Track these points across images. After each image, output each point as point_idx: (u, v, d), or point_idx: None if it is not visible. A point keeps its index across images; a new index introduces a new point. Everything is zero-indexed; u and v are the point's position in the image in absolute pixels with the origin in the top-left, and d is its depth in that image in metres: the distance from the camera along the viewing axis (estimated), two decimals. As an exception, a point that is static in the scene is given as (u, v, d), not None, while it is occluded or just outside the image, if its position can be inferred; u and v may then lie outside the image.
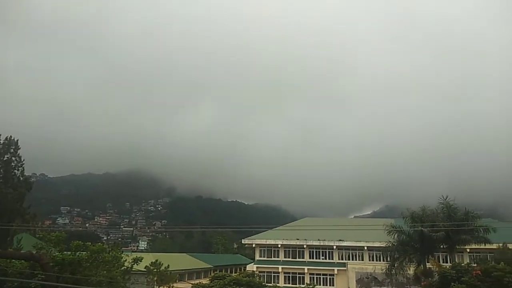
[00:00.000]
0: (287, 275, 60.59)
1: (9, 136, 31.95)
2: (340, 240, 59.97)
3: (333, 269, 58.85)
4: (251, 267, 60.80)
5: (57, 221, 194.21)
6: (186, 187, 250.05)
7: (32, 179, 45.18)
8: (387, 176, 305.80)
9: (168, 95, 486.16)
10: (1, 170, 30.79)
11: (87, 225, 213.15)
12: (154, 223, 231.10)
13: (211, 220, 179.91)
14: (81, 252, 25.91)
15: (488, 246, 38.00)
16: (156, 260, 45.71)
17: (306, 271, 59.63)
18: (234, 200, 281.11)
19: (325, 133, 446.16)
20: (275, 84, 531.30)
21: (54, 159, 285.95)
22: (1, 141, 31.50)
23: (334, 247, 60.66)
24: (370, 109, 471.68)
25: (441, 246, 37.95)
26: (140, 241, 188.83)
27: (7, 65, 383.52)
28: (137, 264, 38.25)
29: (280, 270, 60.69)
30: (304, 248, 62.15)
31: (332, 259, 60.93)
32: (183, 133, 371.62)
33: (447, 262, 45.14)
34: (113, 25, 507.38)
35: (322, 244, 61.23)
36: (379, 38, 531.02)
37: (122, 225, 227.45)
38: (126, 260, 34.66)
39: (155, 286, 45.18)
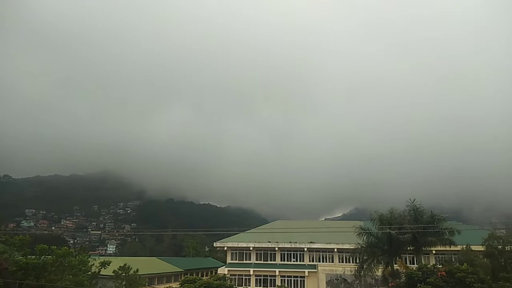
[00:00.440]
0: (258, 277, 60.61)
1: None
2: (311, 243, 60.60)
3: (304, 271, 59.32)
4: (223, 270, 60.46)
5: (21, 224, 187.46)
6: (157, 190, 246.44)
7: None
8: (358, 179, 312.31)
9: (139, 97, 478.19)
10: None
11: (53, 228, 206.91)
12: (123, 226, 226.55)
13: (183, 223, 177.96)
14: (46, 256, 25.06)
15: (452, 248, 39.34)
16: (125, 264, 44.65)
17: (277, 273, 59.86)
18: (206, 203, 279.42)
19: (298, 136, 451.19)
20: (249, 89, 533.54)
21: (19, 159, 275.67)
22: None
23: (305, 249, 61.22)
24: (342, 113, 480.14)
25: (408, 248, 38.92)
26: (108, 244, 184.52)
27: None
28: (104, 268, 37.31)
29: (251, 272, 60.65)
30: (275, 250, 62.39)
31: (303, 261, 61.45)
32: (155, 136, 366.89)
33: (414, 264, 46.34)
34: (83, 25, 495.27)
35: (293, 246, 61.67)
36: (350, 42, 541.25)
37: (90, 228, 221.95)
38: (93, 264, 33.76)
39: (123, 291, 44.11)
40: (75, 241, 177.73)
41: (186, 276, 42.54)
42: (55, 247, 26.97)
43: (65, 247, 30.84)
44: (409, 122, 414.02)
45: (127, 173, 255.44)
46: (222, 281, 33.81)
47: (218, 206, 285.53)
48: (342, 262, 59.56)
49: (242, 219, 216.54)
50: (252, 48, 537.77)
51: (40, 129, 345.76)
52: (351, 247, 45.07)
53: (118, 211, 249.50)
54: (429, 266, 32.30)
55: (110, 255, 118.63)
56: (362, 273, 40.18)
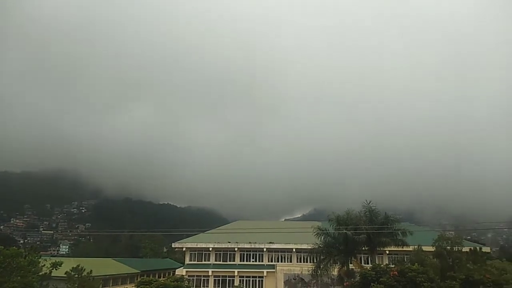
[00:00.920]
0: (217, 278, 60.29)
1: None
2: (271, 243, 61.07)
3: (263, 271, 59.63)
4: (181, 271, 59.63)
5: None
6: (114, 189, 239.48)
7: None
8: (318, 180, 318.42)
9: (100, 94, 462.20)
10: None
11: (1, 227, 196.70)
12: (77, 226, 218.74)
13: (140, 223, 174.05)
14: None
15: (405, 248, 40.98)
16: (78, 265, 42.99)
17: (236, 274, 59.80)
18: (166, 203, 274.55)
19: (261, 138, 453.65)
20: (213, 89, 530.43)
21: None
22: None
23: (265, 249, 61.62)
24: (303, 115, 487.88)
25: (363, 248, 40.14)
26: (61, 245, 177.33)
27: None
28: (56, 270, 35.84)
29: (210, 273, 60.22)
30: (235, 251, 62.34)
31: (262, 261, 61.80)
32: (114, 134, 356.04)
33: (368, 263, 47.76)
34: (40, 20, 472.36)
35: (253, 246, 61.87)
36: (317, 46, 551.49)
37: (41, 227, 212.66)
38: (44, 265, 32.35)
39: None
40: (26, 241, 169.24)
41: (142, 277, 41.76)
42: (3, 247, 25.61)
43: (14, 247, 29.34)
44: (367, 126, 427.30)
45: (83, 172, 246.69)
46: (179, 282, 33.40)
47: (178, 206, 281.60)
48: (300, 262, 60.41)
49: (202, 220, 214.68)
50: (218, 50, 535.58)
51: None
52: (309, 247, 45.86)
53: (72, 210, 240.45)
54: (382, 266, 33.42)
55: (62, 255, 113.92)
56: (319, 273, 41.02)
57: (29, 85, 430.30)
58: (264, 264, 61.13)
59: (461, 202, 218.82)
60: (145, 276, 53.32)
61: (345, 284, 36.18)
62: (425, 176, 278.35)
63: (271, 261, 61.56)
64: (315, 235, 40.44)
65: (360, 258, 47.26)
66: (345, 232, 37.57)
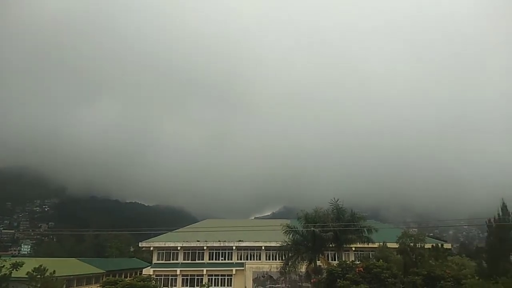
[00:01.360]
0: (185, 277, 59.77)
1: None
2: (240, 241, 61.12)
3: (232, 270, 59.67)
4: (148, 271, 58.68)
5: None
6: (79, 187, 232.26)
7: None
8: (288, 179, 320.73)
9: (66, 90, 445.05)
10: None
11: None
12: (39, 225, 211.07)
13: (106, 222, 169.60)
14: None
15: (371, 245, 42.03)
16: (40, 266, 41.61)
17: (205, 272, 59.50)
18: (133, 201, 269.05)
19: (231, 136, 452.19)
20: (183, 87, 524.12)
21: None
22: None
23: (234, 247, 61.61)
24: (273, 114, 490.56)
25: (331, 245, 40.89)
26: (22, 245, 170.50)
27: None
28: (17, 270, 34.61)
29: (178, 272, 59.63)
30: (204, 249, 61.99)
31: (231, 259, 61.78)
32: (80, 130, 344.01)
33: (335, 260, 48.70)
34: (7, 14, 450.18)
35: (222, 245, 61.73)
36: (289, 46, 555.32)
37: (1, 227, 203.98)
38: (3, 266, 31.08)
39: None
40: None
41: (108, 277, 40.79)
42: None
43: (-30, 248, 27.98)
44: (337, 126, 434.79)
45: (46, 169, 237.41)
46: (146, 282, 32.84)
47: (146, 204, 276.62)
48: (269, 259, 60.84)
49: (171, 218, 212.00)
50: (189, 46, 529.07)
51: None
52: (278, 245, 46.25)
53: (35, 208, 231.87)
54: (348, 262, 34.14)
55: (24, 256, 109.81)
56: (287, 270, 41.48)
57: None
58: (233, 263, 61.12)
59: (425, 201, 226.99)
60: (110, 276, 52.16)
61: (312, 280, 36.70)
62: (390, 175, 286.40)
63: (240, 259, 61.63)
64: (284, 232, 40.84)
65: (328, 255, 48.12)
66: (313, 230, 38.11)
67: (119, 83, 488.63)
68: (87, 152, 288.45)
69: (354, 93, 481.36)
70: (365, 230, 39.65)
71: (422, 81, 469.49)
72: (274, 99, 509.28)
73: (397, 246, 44.71)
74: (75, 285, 60.60)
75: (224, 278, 59.89)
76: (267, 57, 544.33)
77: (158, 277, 56.38)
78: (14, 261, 33.18)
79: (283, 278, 53.81)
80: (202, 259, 61.98)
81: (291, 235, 40.98)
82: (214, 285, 57.80)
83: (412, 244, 42.56)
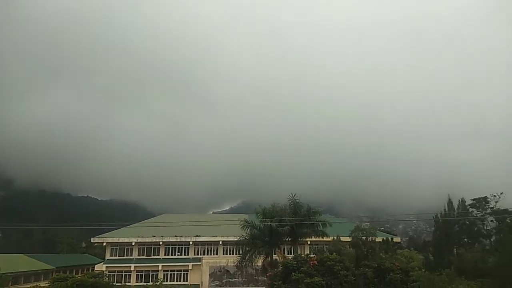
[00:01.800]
0: (140, 273, 58.59)
1: None
2: (197, 236, 60.71)
3: (188, 265, 59.23)
4: (100, 267, 57.04)
5: None
6: (27, 180, 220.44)
7: None
8: (246, 173, 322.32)
9: (13, 75, 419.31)
10: None
11: None
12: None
13: (56, 217, 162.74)
14: None
15: (325, 238, 43.19)
16: (-17, 263, 39.19)
17: (160, 268, 58.64)
18: (86, 196, 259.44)
19: (189, 130, 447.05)
20: (143, 78, 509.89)
21: None
22: None
23: (191, 242, 61.10)
24: (234, 109, 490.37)
25: (287, 239, 41.58)
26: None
27: None
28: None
29: (132, 268, 58.36)
30: (160, 245, 61.01)
31: (188, 254, 61.27)
32: (28, 119, 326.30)
33: (291, 254, 49.62)
34: None
35: (178, 240, 61.06)
36: (251, 42, 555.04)
37: None
38: None
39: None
40: None
41: (57, 274, 39.20)
42: None
43: None
44: (296, 123, 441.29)
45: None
46: (98, 278, 31.84)
47: (99, 199, 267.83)
48: (227, 254, 60.94)
49: (125, 213, 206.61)
50: (149, 39, 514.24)
51: None
52: (236, 240, 46.44)
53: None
54: (303, 255, 34.82)
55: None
56: (244, 264, 41.77)
57: None
58: (190, 258, 60.68)
59: (377, 197, 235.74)
60: (60, 273, 50.16)
61: (268, 274, 37.14)
62: (345, 172, 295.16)
63: (198, 254, 61.29)
64: (241, 227, 41.06)
65: (284, 249, 48.88)
66: (270, 224, 38.60)
67: (74, 71, 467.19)
68: (37, 143, 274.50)
69: (314, 90, 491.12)
70: (320, 225, 40.66)
71: (381, 81, 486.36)
72: (235, 94, 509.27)
73: (350, 240, 46.24)
74: (22, 282, 57.74)
75: (180, 274, 59.34)
76: (228, 52, 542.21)
77: (111, 273, 54.90)
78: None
79: (239, 272, 54.11)
80: (158, 255, 61.02)
81: (248, 230, 41.30)
82: (170, 281, 57.06)
83: (364, 237, 44.13)
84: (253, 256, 41.22)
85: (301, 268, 30.12)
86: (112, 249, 60.93)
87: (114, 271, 57.11)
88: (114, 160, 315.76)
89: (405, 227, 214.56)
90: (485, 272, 34.81)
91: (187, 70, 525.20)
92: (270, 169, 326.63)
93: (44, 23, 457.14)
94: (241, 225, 40.95)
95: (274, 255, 40.95)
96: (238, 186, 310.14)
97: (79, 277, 31.70)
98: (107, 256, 60.78)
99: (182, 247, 61.82)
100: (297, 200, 41.42)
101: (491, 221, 49.96)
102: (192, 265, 59.15)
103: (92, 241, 64.56)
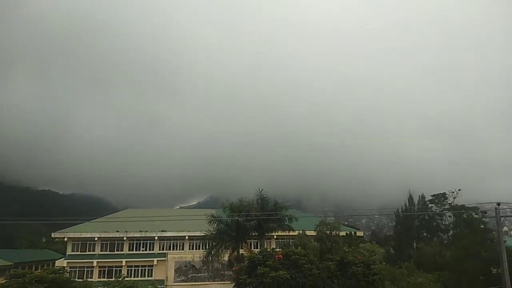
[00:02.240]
0: (102, 269, 57.25)
1: None
2: (163, 231, 59.97)
3: (153, 260, 58.45)
4: (61, 263, 55.31)
5: None
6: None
7: None
8: (214, 168, 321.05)
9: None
10: None
11: None
12: None
13: (14, 211, 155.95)
14: None
15: (291, 233, 43.77)
16: None
17: (124, 263, 57.54)
18: (46, 189, 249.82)
19: (156, 124, 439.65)
20: (108, 71, 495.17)
21: None
22: None
23: (156, 238, 60.29)
24: (201, 104, 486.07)
25: (254, 234, 41.83)
26: None
27: None
28: None
29: (95, 264, 56.98)
30: (124, 240, 59.84)
31: (153, 250, 60.44)
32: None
33: (258, 248, 49.95)
34: None
35: (143, 235, 60.10)
36: (220, 37, 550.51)
37: None
38: None
39: None
40: None
41: (15, 270, 37.56)
42: None
43: None
44: (263, 118, 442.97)
45: None
46: (58, 274, 30.83)
47: (61, 193, 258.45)
48: (193, 249, 60.58)
49: (89, 208, 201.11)
50: (115, 31, 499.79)
51: None
52: (202, 235, 46.22)
53: None
54: (269, 250, 35.14)
55: None
56: (210, 259, 41.69)
57: None
58: (155, 253, 59.90)
59: (342, 192, 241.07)
60: (19, 269, 48.19)
61: (233, 268, 37.24)
62: (312, 167, 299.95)
63: (163, 250, 60.57)
64: (208, 222, 40.92)
65: (250, 244, 49.17)
66: (237, 219, 38.68)
67: (36, 62, 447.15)
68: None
69: (283, 86, 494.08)
70: (287, 219, 41.16)
71: (349, 81, 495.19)
72: (203, 89, 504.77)
73: (315, 234, 47.10)
74: (-25, 279, 55.05)
75: (145, 269, 58.49)
76: (198, 47, 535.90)
77: (73, 269, 53.40)
78: None
79: (205, 267, 54.01)
80: (122, 250, 59.83)
81: (215, 225, 41.23)
82: (134, 276, 56.07)
83: (328, 232, 45.08)
84: (220, 251, 41.21)
85: (267, 262, 30.37)
86: (73, 244, 59.27)
87: (76, 267, 55.59)
88: (77, 153, 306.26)
89: (368, 222, 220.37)
90: (443, 265, 36.51)
91: (155, 63, 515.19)
92: (239, 164, 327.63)
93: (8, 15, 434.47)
94: (208, 220, 40.85)
95: (240, 250, 41.08)
96: (206, 180, 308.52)
97: (38, 273, 30.51)
98: (68, 252, 59.10)
99: (147, 243, 60.90)
100: (265, 195, 41.72)
101: (449, 216, 52.13)
102: (157, 260, 58.41)
103: (52, 236, 62.46)
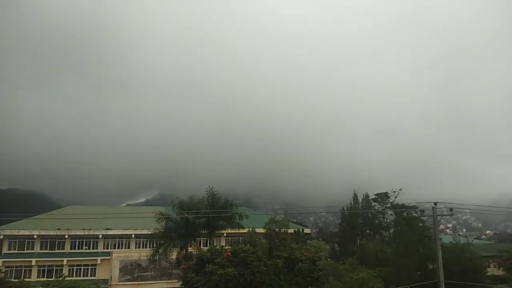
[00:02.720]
0: (42, 268, 54.32)
1: None
2: (108, 229, 57.95)
3: (97, 259, 56.38)
4: (-5, 262, 51.79)
5: None
6: None
7: None
8: (163, 165, 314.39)
9: None
10: None
11: None
12: None
13: None
14: None
15: (241, 230, 44.03)
16: None
17: (65, 262, 54.99)
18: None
19: (102, 117, 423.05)
20: (54, 58, 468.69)
21: None
22: None
23: (100, 236, 58.12)
24: (152, 99, 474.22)
25: (203, 232, 41.62)
26: None
27: None
28: None
29: (34, 263, 53.96)
30: (65, 238, 57.15)
31: (97, 248, 58.26)
32: None
33: (207, 246, 49.72)
34: None
35: (87, 233, 57.72)
36: (174, 28, 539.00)
37: None
38: None
39: None
40: None
41: None
42: None
43: None
44: (214, 113, 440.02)
45: None
46: (-9, 274, 28.90)
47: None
48: (139, 247, 59.12)
49: (28, 204, 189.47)
50: (67, 20, 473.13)
51: None
52: (150, 233, 45.21)
53: None
54: (218, 247, 35.15)
55: None
56: (157, 257, 40.95)
57: None
58: (99, 252, 57.76)
59: (293, 189, 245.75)
60: None
61: (181, 267, 36.85)
62: (263, 164, 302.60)
63: (108, 248, 58.52)
64: (156, 220, 40.12)
65: (200, 241, 48.85)
66: (187, 217, 38.30)
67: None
68: None
69: (237, 82, 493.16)
70: (237, 217, 41.38)
71: (299, 79, 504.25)
72: (154, 83, 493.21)
73: (264, 231, 47.68)
74: None
75: (88, 268, 56.27)
76: (150, 36, 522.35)
77: (9, 269, 50.24)
78: None
79: (152, 265, 52.95)
80: (63, 249, 57.13)
81: (164, 223, 40.52)
82: (76, 276, 53.80)
83: (277, 229, 45.83)
84: (168, 249, 40.63)
85: (215, 260, 30.38)
86: (10, 242, 55.74)
87: (12, 266, 52.35)
88: (16, 145, 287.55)
89: (316, 219, 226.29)
90: (384, 261, 38.38)
91: (104, 53, 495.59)
92: (190, 161, 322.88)
93: None
94: (156, 217, 40.06)
95: (189, 248, 40.73)
96: (154, 177, 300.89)
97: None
98: (5, 250, 55.43)
99: (90, 241, 58.56)
100: (215, 193, 41.63)
101: (390, 214, 54.91)
102: (101, 259, 56.39)
103: (-14, 234, 58.25)
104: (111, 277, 55.22)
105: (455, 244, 37.04)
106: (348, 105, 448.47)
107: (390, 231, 54.33)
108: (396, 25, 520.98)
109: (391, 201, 55.75)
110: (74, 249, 57.65)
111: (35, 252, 55.61)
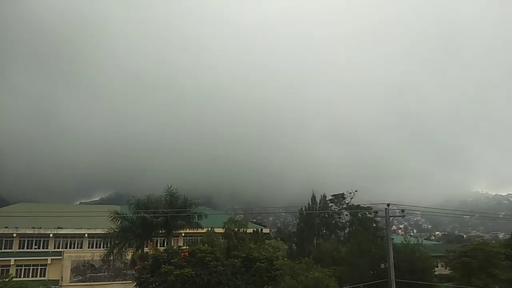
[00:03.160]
0: (-15, 269, 51.33)
1: None
2: (59, 228, 55.62)
3: (47, 259, 54.05)
4: None
5: None
6: None
7: None
8: (120, 164, 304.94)
9: None
10: None
11: None
12: None
13: None
14: None
15: (200, 230, 43.63)
16: None
17: (12, 262, 52.27)
18: None
19: (56, 112, 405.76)
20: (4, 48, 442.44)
21: None
22: None
23: (51, 235, 55.67)
24: (109, 95, 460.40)
25: (161, 231, 40.87)
26: None
27: None
28: None
29: (-24, 264, 50.87)
30: (13, 237, 54.27)
31: (47, 248, 55.78)
32: None
33: (164, 246, 48.87)
34: None
35: (36, 232, 55.12)
36: (134, 22, 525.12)
37: None
38: None
39: None
40: None
41: None
42: None
43: None
44: (173, 112, 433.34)
45: None
46: None
47: None
48: (93, 247, 57.22)
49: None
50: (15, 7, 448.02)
51: None
52: (104, 232, 43.83)
53: None
54: (175, 247, 34.68)
55: None
56: (111, 258, 39.78)
57: None
58: (49, 251, 55.34)
59: (253, 189, 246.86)
60: None
61: (136, 267, 36.02)
62: (224, 164, 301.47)
63: (59, 248, 56.18)
64: (111, 219, 38.96)
65: (157, 241, 47.96)
66: (144, 216, 37.45)
67: None
68: None
69: (204, 83, 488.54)
70: (196, 216, 40.93)
71: (265, 81, 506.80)
72: (111, 79, 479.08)
73: (223, 231, 47.54)
74: None
75: (37, 268, 53.84)
76: (111, 30, 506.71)
77: None
78: None
79: (106, 266, 51.40)
80: (11, 248, 54.24)
81: (119, 222, 39.42)
82: (25, 276, 51.42)
83: (236, 229, 45.85)
84: (123, 249, 39.55)
85: (172, 260, 29.95)
86: (-51, 242, 52.24)
87: (-48, 268, 49.10)
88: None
89: (275, 219, 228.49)
90: (339, 260, 39.46)
91: (63, 45, 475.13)
92: (149, 159, 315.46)
93: None
94: (111, 216, 38.90)
95: (145, 248, 39.87)
96: (110, 175, 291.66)
97: None
98: None
99: (40, 240, 55.94)
100: (174, 192, 40.99)
101: (346, 215, 56.48)
102: (52, 259, 54.13)
103: None
104: (62, 277, 53.20)
105: (406, 245, 38.68)
106: (309, 107, 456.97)
107: (346, 231, 55.86)
108: (361, 29, 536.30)
109: (347, 202, 57.28)
110: (23, 248, 54.87)
111: (-22, 252, 52.49)
